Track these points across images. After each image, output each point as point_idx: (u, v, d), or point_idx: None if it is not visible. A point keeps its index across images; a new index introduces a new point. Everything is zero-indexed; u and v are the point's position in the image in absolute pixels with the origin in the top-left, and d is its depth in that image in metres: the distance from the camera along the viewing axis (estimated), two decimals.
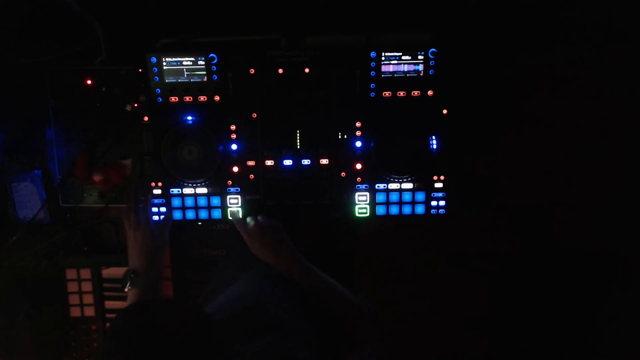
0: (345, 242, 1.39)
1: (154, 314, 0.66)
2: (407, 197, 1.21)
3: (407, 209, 1.22)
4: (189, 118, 1.16)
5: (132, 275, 1.08)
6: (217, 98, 1.16)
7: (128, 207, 1.15)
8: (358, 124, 1.18)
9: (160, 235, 1.16)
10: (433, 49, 1.14)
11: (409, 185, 1.21)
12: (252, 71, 1.15)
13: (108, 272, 1.35)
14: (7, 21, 1.22)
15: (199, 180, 1.19)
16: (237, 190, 1.21)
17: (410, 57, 1.14)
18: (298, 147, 1.19)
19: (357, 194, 1.21)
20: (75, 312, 1.36)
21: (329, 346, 0.85)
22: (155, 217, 1.20)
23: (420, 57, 1.14)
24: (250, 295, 0.93)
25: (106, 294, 1.36)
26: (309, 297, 0.98)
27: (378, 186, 1.21)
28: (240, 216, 1.19)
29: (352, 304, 0.99)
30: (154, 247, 1.13)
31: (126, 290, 1.07)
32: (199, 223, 1.23)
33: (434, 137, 1.16)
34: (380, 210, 1.22)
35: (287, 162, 1.20)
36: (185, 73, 1.15)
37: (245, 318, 0.84)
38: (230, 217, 1.19)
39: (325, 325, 0.92)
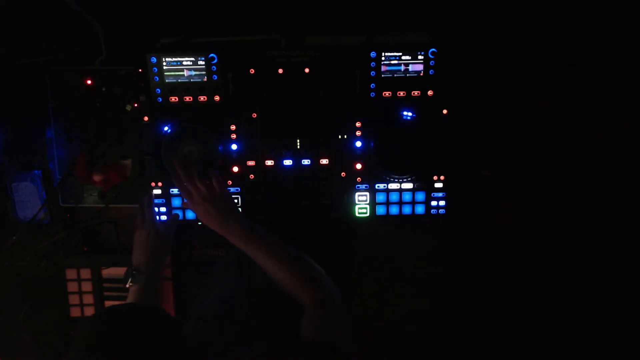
0: (345, 242, 1.39)
1: (126, 321, 0.66)
2: (407, 197, 1.21)
3: (407, 209, 1.22)
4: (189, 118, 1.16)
5: (133, 272, 1.09)
6: (217, 98, 1.16)
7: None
8: (358, 124, 1.18)
9: (165, 235, 1.17)
10: (433, 49, 1.14)
11: (409, 185, 1.21)
12: (252, 71, 1.15)
13: (108, 272, 1.35)
14: (7, 21, 1.22)
15: None
16: (237, 190, 1.21)
17: (410, 57, 1.14)
18: (298, 147, 1.19)
19: (357, 194, 1.21)
20: (75, 312, 1.36)
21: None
22: (164, 217, 1.21)
23: (420, 57, 1.14)
24: (224, 303, 0.94)
25: (106, 294, 1.36)
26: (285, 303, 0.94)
27: (378, 186, 1.21)
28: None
29: (316, 287, 0.91)
30: (158, 247, 1.14)
31: (127, 286, 1.09)
32: (199, 223, 1.23)
33: (433, 138, 1.16)
34: (380, 210, 1.22)
35: (287, 162, 1.20)
36: (185, 73, 1.15)
37: (216, 327, 0.85)
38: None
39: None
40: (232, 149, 1.19)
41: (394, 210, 1.22)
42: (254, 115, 1.18)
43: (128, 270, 1.10)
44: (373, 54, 1.14)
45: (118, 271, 1.34)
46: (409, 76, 1.15)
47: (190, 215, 1.22)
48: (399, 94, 1.16)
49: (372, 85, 1.16)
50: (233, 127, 1.18)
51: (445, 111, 1.17)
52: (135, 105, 1.21)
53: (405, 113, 1.16)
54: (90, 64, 1.22)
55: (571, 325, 1.54)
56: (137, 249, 1.13)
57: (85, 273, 1.34)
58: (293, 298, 0.90)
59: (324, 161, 1.20)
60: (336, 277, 1.04)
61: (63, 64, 1.22)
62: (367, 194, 1.21)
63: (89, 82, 1.22)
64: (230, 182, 1.21)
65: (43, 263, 1.32)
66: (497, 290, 1.53)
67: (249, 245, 0.99)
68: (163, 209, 1.21)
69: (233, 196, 1.21)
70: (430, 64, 1.14)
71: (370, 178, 1.20)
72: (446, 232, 1.46)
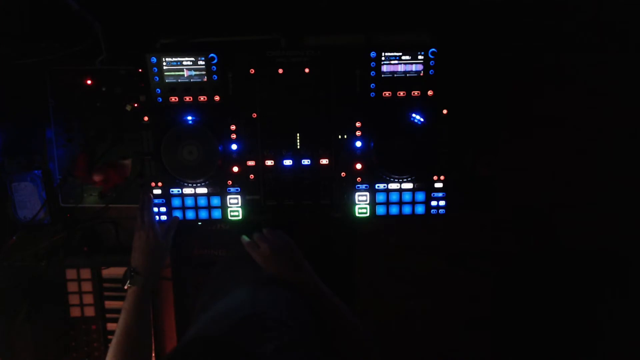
0: (345, 242, 1.39)
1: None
2: (407, 197, 1.21)
3: (407, 209, 1.22)
4: (189, 118, 1.16)
5: (132, 273, 1.09)
6: (217, 98, 1.16)
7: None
8: (358, 124, 1.18)
9: (164, 236, 1.17)
10: (433, 49, 1.14)
11: (409, 185, 1.21)
12: (252, 71, 1.15)
13: (108, 272, 1.35)
14: (7, 21, 1.22)
15: (198, 180, 1.19)
16: (237, 190, 1.21)
17: (410, 57, 1.14)
18: (298, 147, 1.19)
19: (357, 194, 1.21)
20: (75, 312, 1.36)
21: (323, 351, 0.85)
22: (164, 217, 1.21)
23: (420, 57, 1.14)
24: (246, 303, 0.93)
25: (106, 294, 1.36)
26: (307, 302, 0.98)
27: (378, 186, 1.21)
28: (247, 239, 1.14)
29: (352, 322, 1.00)
30: (156, 248, 1.14)
31: (125, 287, 1.09)
32: (199, 223, 1.23)
33: (433, 137, 1.16)
34: (380, 210, 1.22)
35: (287, 162, 1.19)
36: (185, 73, 1.15)
37: (242, 327, 0.84)
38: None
39: (320, 331, 0.92)
40: (232, 149, 1.19)
41: (394, 210, 1.22)
42: (254, 115, 1.17)
43: (127, 272, 1.10)
44: (373, 54, 1.14)
45: (118, 271, 1.34)
46: (409, 76, 1.15)
47: (190, 215, 1.22)
48: (399, 94, 1.16)
49: (372, 85, 1.16)
50: (233, 127, 1.18)
51: (445, 111, 1.17)
52: (135, 105, 1.21)
53: (414, 116, 1.16)
54: (90, 64, 1.22)
55: (571, 325, 1.54)
56: (136, 250, 1.13)
57: (85, 273, 1.34)
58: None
59: (324, 161, 1.20)
60: (336, 277, 1.05)
61: (63, 64, 1.22)
62: (367, 194, 1.21)
63: (89, 82, 1.22)
64: (230, 182, 1.21)
65: (43, 263, 1.32)
66: (497, 291, 1.53)
67: (316, 294, 1.02)
68: (163, 209, 1.21)
69: (233, 196, 1.21)
70: (430, 64, 1.14)
71: (370, 178, 1.20)
72: (446, 232, 1.46)
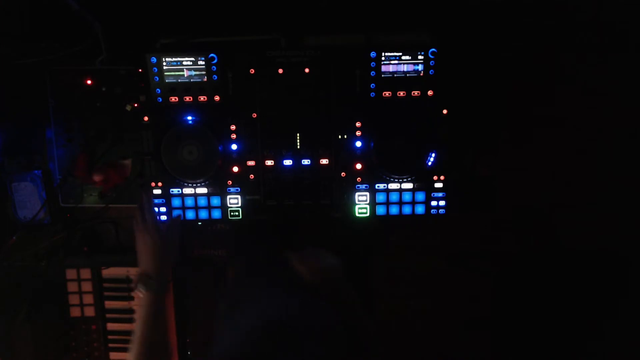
0: (346, 242, 1.39)
1: None
2: (407, 197, 1.21)
3: (407, 209, 1.22)
4: (189, 118, 1.16)
5: (145, 279, 1.03)
6: (217, 98, 1.16)
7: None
8: (358, 124, 1.18)
9: (169, 235, 1.12)
10: (433, 49, 1.14)
11: (409, 185, 1.21)
12: (252, 71, 1.15)
13: (108, 272, 1.35)
14: (7, 21, 1.22)
15: (198, 180, 1.19)
16: (237, 190, 1.21)
17: (410, 57, 1.14)
18: (298, 147, 1.19)
19: (357, 194, 1.21)
20: (75, 312, 1.36)
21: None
22: (164, 217, 1.20)
23: (420, 57, 1.14)
24: (278, 312, 0.90)
25: (106, 294, 1.36)
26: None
27: (378, 186, 1.21)
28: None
29: (366, 324, 1.01)
30: (163, 249, 1.08)
31: (141, 295, 1.02)
32: (199, 223, 1.23)
33: (433, 137, 1.16)
34: (380, 210, 1.22)
35: (287, 162, 1.20)
36: (185, 73, 1.15)
37: (269, 336, 0.81)
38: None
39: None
40: (232, 149, 1.19)
41: (394, 210, 1.22)
42: (254, 115, 1.17)
43: (140, 278, 1.03)
44: (373, 54, 1.14)
45: (118, 271, 1.35)
46: (409, 76, 1.15)
47: (190, 215, 1.22)
48: (399, 94, 1.16)
49: (372, 85, 1.16)
50: (233, 127, 1.18)
51: (445, 111, 1.17)
52: (135, 105, 1.21)
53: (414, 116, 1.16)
54: (90, 64, 1.22)
55: (571, 325, 1.54)
56: (144, 254, 1.07)
57: (85, 273, 1.34)
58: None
59: (324, 161, 1.20)
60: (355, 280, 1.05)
61: (63, 64, 1.22)
62: (367, 194, 1.21)
63: (89, 82, 1.22)
64: (230, 182, 1.21)
65: (43, 263, 1.32)
66: (497, 291, 1.53)
67: (342, 299, 1.03)
68: (163, 209, 1.21)
69: (233, 196, 1.21)
70: (430, 64, 1.14)
71: (370, 178, 1.20)
72: (446, 232, 1.46)
